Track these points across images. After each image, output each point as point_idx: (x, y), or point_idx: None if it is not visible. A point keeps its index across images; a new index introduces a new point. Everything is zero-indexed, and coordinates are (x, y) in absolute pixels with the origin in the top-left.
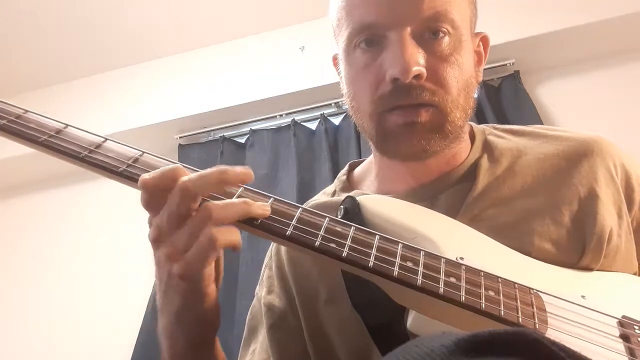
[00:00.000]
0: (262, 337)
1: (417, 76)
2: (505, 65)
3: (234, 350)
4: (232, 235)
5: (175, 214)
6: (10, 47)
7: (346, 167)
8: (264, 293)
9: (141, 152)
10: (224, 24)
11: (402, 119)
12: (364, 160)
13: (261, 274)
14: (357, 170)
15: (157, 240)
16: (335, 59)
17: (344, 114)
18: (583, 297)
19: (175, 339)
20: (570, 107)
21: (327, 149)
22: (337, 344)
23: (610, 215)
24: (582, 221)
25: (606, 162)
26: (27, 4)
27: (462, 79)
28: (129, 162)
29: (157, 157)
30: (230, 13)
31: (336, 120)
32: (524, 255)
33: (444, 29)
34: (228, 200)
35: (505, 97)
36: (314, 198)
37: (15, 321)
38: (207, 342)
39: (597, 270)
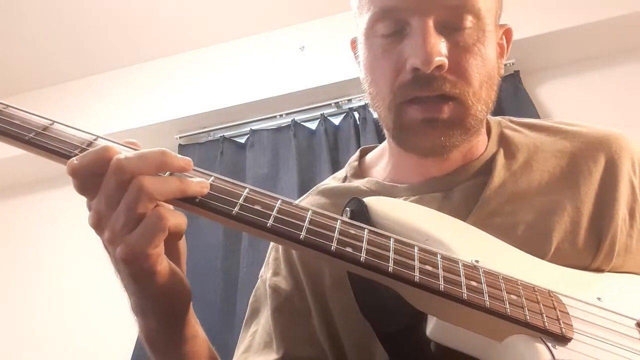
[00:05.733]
0: (264, 319)
1: (439, 67)
2: (505, 65)
3: (233, 349)
4: (179, 218)
5: (112, 195)
6: (10, 47)
7: (357, 153)
8: (270, 275)
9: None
10: (224, 24)
11: (422, 114)
12: (375, 146)
13: (267, 255)
14: (369, 156)
15: (97, 226)
16: (353, 43)
17: (344, 114)
18: (599, 299)
19: (145, 317)
20: (570, 107)
21: (327, 149)
22: (342, 329)
23: (622, 216)
24: (599, 221)
25: (624, 159)
26: (27, 4)
27: (485, 70)
28: None
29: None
30: (230, 13)
31: (336, 120)
32: (534, 257)
33: (468, 19)
34: (162, 176)
35: (505, 97)
36: (323, 182)
37: (14, 321)
38: (177, 316)
39: (608, 271)
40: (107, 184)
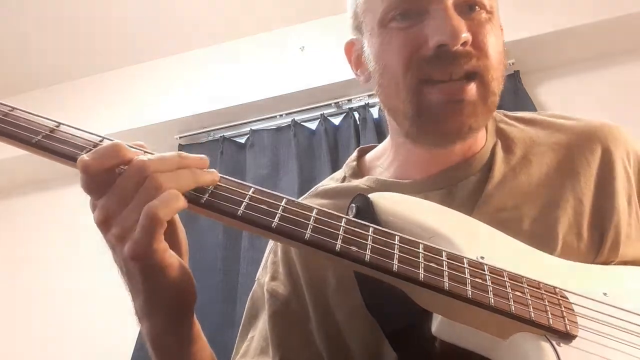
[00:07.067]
0: (261, 324)
1: (464, 43)
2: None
3: (233, 351)
4: (175, 203)
5: (127, 193)
6: (11, 47)
7: (355, 153)
8: (268, 279)
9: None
10: (224, 24)
11: (446, 95)
12: (374, 146)
13: (264, 258)
14: (369, 156)
15: (105, 223)
16: (350, 45)
17: (344, 114)
18: (605, 294)
19: (152, 318)
20: (570, 107)
21: (327, 149)
22: (347, 332)
23: (623, 205)
24: (601, 212)
25: (619, 149)
26: (27, 4)
27: (498, 50)
28: None
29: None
30: (230, 13)
31: (336, 120)
32: (540, 252)
33: (482, 3)
34: (175, 171)
35: (505, 97)
36: (321, 184)
37: (14, 322)
38: (185, 315)
39: (616, 261)
40: (123, 182)
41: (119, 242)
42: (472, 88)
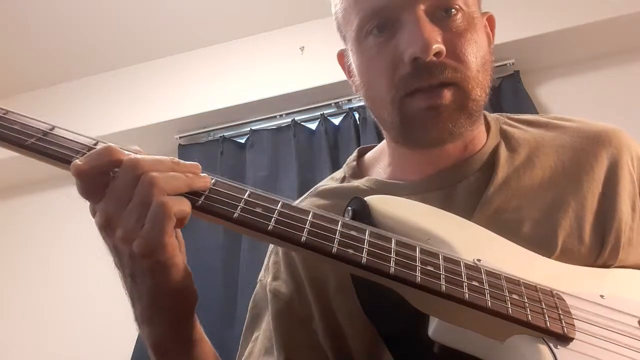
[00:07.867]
0: (265, 324)
1: (437, 54)
2: (505, 65)
3: (234, 350)
4: (183, 205)
5: (123, 192)
6: (10, 47)
7: (355, 153)
8: (270, 279)
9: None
10: (224, 24)
11: (425, 102)
12: (373, 146)
13: (266, 259)
14: (368, 156)
15: (106, 226)
16: (341, 56)
17: (344, 114)
18: (602, 296)
19: (155, 322)
20: (570, 107)
21: (327, 149)
22: (349, 334)
23: (626, 209)
24: (603, 216)
25: (624, 154)
26: (26, 3)
27: (480, 55)
28: None
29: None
30: (230, 13)
31: (336, 120)
32: (537, 255)
33: (457, 6)
34: (169, 172)
35: (505, 97)
36: (321, 184)
37: (13, 322)
38: (187, 316)
39: (615, 265)
40: (119, 182)
41: (125, 244)
42: (447, 92)
